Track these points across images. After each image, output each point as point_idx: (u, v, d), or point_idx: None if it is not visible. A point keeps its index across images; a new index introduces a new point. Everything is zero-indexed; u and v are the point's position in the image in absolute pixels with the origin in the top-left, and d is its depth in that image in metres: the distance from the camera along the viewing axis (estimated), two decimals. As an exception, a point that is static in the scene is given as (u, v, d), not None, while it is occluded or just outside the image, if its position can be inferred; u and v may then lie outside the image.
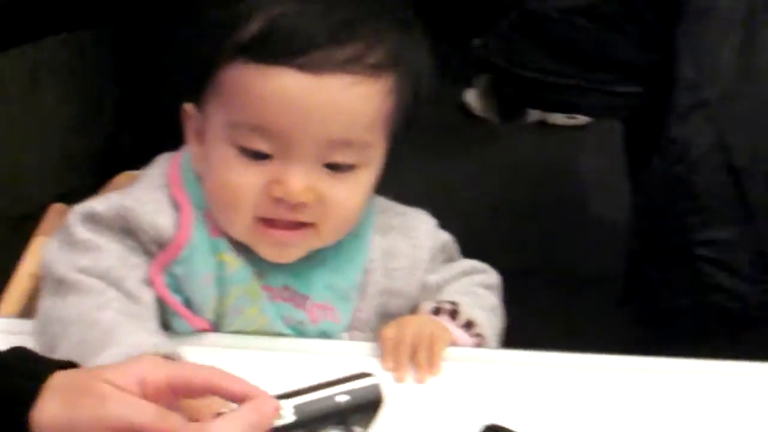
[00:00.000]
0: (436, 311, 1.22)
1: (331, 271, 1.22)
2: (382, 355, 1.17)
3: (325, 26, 1.10)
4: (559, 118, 3.49)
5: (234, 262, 1.20)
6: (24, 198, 2.56)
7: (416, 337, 1.17)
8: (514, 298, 2.67)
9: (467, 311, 1.23)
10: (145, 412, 0.89)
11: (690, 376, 1.16)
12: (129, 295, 1.17)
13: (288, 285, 1.21)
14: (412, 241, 1.28)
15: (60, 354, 1.09)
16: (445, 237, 1.33)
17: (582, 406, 1.10)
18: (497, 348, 1.24)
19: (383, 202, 1.30)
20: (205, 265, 1.20)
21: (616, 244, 2.85)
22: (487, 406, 1.07)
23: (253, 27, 1.10)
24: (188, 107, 1.21)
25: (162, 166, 1.25)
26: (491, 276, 1.37)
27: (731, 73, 1.88)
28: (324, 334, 1.23)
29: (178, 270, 1.19)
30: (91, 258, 1.17)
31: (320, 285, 1.22)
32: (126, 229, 1.19)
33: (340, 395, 0.92)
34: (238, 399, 0.91)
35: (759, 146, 1.88)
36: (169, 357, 1.10)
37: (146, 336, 1.12)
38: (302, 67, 1.08)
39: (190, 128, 1.21)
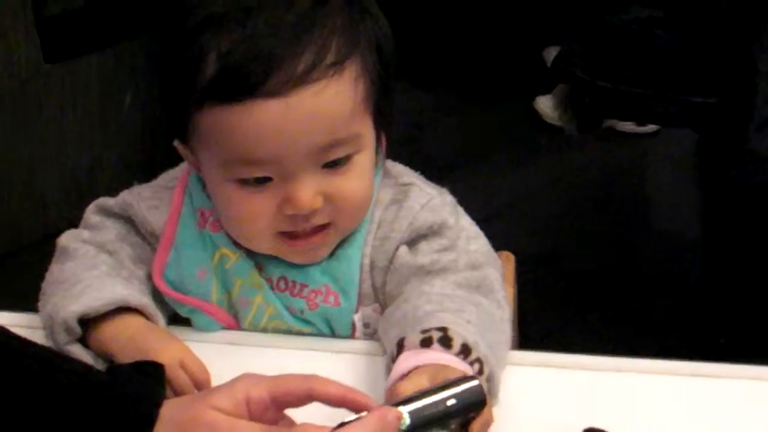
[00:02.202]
0: (427, 342, 1.06)
1: (330, 256, 1.21)
2: None
3: (276, 45, 1.07)
4: (627, 126, 3.50)
5: (233, 256, 1.22)
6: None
7: None
8: (582, 301, 2.74)
9: (460, 334, 1.06)
10: None
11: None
12: (121, 264, 1.24)
13: (285, 275, 1.22)
14: (399, 213, 1.22)
15: (45, 312, 1.17)
16: (439, 218, 1.21)
17: (673, 412, 1.12)
18: (501, 360, 1.12)
19: (398, 172, 1.26)
20: (196, 260, 1.23)
21: (683, 250, 2.90)
22: (584, 411, 1.09)
23: (209, 70, 1.08)
24: (177, 145, 1.21)
25: (182, 167, 1.29)
26: (488, 271, 1.20)
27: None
28: (327, 320, 1.22)
29: (171, 274, 1.24)
30: (94, 233, 1.26)
31: (317, 272, 1.21)
32: (130, 221, 1.26)
33: (450, 399, 0.94)
34: (337, 401, 0.94)
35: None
36: (140, 311, 1.16)
37: (120, 289, 1.17)
38: (268, 94, 1.07)
39: (187, 159, 1.22)
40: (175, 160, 1.30)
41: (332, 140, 1.11)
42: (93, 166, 3.08)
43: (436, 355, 1.04)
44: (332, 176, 1.13)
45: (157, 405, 0.94)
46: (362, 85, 1.13)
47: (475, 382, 0.96)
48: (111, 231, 1.26)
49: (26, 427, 0.94)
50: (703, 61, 2.07)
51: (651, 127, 3.49)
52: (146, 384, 0.98)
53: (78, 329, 1.13)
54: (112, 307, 1.15)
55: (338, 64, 1.10)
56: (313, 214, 1.14)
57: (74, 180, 3.04)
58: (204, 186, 1.23)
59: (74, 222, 1.30)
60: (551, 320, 2.56)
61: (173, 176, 1.28)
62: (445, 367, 1.02)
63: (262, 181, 1.13)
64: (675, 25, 2.06)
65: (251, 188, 1.13)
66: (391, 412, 0.92)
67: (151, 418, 0.92)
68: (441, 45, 3.85)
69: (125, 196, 1.27)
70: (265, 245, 1.19)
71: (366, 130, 1.16)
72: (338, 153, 1.13)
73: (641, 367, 1.18)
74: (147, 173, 1.30)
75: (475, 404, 0.96)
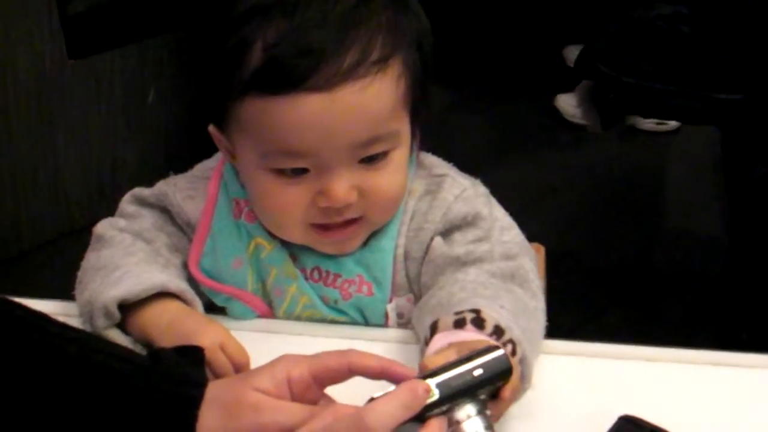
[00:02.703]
0: (461, 323, 1.06)
1: (363, 246, 1.22)
2: None
3: (323, 39, 1.08)
4: (648, 124, 3.51)
5: (268, 246, 1.23)
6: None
7: None
8: (601, 298, 2.74)
9: (493, 316, 1.07)
10: (298, 413, 0.92)
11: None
12: (158, 252, 1.25)
13: (319, 265, 1.23)
14: (433, 204, 1.23)
15: (83, 299, 1.18)
16: (473, 209, 1.22)
17: (708, 401, 1.12)
18: (535, 347, 1.13)
19: (431, 163, 1.27)
20: (232, 249, 1.24)
21: (703, 247, 2.91)
22: (620, 399, 1.09)
23: (254, 61, 1.09)
24: (212, 130, 1.21)
25: (216, 157, 1.30)
26: (523, 261, 1.20)
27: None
28: (361, 310, 1.23)
29: (207, 264, 1.25)
30: (130, 222, 1.27)
31: (351, 262, 1.22)
32: (166, 210, 1.27)
33: (476, 369, 0.94)
34: (377, 374, 0.95)
35: None
36: (178, 296, 1.18)
37: (159, 274, 1.18)
38: (313, 88, 1.07)
39: (221, 146, 1.22)
40: (198, 156, 1.31)
41: (372, 136, 1.12)
42: (116, 162, 3.10)
43: (468, 335, 1.04)
44: (368, 171, 1.14)
45: (202, 386, 0.95)
46: (403, 83, 1.13)
47: (500, 352, 0.96)
48: (147, 220, 1.27)
49: (70, 411, 0.95)
50: (728, 57, 2.07)
51: (672, 125, 3.50)
52: (189, 366, 0.99)
53: (117, 314, 1.15)
54: (152, 292, 1.16)
55: (382, 62, 1.10)
56: (346, 208, 1.15)
57: (97, 176, 3.06)
58: (238, 175, 1.24)
59: (97, 217, 1.30)
60: (570, 316, 2.56)
61: (209, 166, 1.29)
62: (476, 343, 1.02)
63: (299, 173, 1.14)
64: (700, 21, 2.07)
65: (287, 179, 1.14)
66: (420, 385, 0.92)
67: (197, 400, 0.93)
68: (461, 43, 3.86)
69: (161, 186, 1.29)
70: (297, 235, 1.20)
71: (404, 126, 1.16)
72: (377, 149, 1.13)
73: (678, 356, 1.19)
74: (169, 169, 1.31)
75: (502, 373, 0.97)
